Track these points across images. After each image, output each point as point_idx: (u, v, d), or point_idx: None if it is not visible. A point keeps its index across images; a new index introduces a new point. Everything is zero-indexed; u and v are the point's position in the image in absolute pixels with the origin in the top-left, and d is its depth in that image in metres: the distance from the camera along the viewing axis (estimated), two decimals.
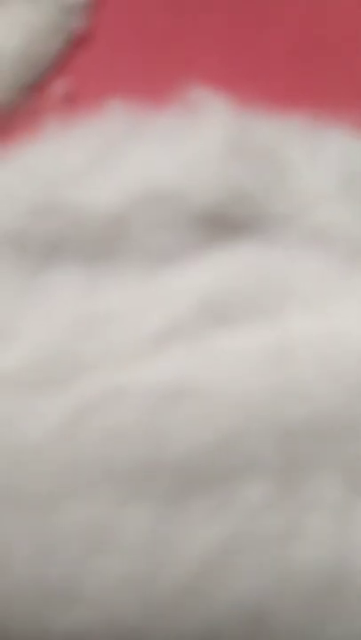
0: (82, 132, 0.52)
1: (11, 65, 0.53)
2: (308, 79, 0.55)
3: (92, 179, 0.51)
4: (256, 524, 0.48)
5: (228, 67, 0.55)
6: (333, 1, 0.56)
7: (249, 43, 0.56)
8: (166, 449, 0.48)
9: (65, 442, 0.48)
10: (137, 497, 0.48)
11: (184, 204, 0.50)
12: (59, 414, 0.48)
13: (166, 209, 0.50)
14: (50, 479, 0.48)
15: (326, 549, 0.48)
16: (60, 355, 0.49)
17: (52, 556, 0.48)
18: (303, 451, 0.48)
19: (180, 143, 0.51)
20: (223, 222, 0.50)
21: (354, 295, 0.50)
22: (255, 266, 0.50)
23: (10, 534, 0.48)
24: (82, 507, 0.48)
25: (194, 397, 0.49)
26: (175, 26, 0.56)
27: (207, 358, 0.49)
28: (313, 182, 0.51)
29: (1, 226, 0.51)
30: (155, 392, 0.48)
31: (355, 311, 0.49)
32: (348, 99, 0.53)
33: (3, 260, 0.50)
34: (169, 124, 0.52)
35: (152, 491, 0.48)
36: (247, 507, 0.48)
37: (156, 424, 0.48)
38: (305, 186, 0.51)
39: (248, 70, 0.55)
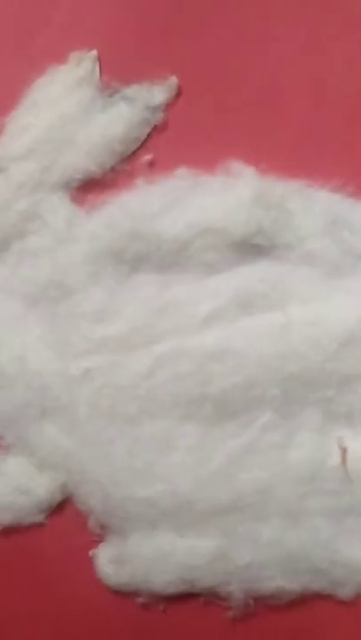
0: (160, 187, 0.60)
1: (114, 143, 0.61)
2: (306, 158, 0.61)
3: (165, 217, 0.59)
4: (265, 437, 0.59)
5: (254, 150, 0.61)
6: (327, 102, 0.61)
7: (267, 134, 0.62)
8: (210, 388, 0.58)
9: (146, 381, 0.59)
10: (191, 417, 0.59)
11: (225, 235, 0.58)
12: (142, 364, 0.59)
13: (214, 238, 0.58)
14: (136, 404, 0.59)
15: (309, 454, 0.59)
16: (144, 327, 0.60)
17: (137, 452, 0.59)
18: (296, 392, 0.58)
19: (223, 196, 0.59)
20: (249, 247, 0.59)
21: (332, 295, 0.59)
22: (269, 275, 0.59)
23: (110, 438, 0.60)
24: (156, 422, 0.59)
25: (227, 357, 0.58)
26: (220, 122, 0.62)
27: (237, 332, 0.58)
28: (307, 224, 0.59)
29: (106, 244, 0.60)
30: (203, 353, 0.58)
31: (332, 305, 0.59)
32: (333, 172, 0.60)
33: (107, 267, 0.60)
34: (216, 184, 0.60)
35: (200, 414, 0.59)
36: (259, 426, 0.58)
37: (203, 372, 0.58)
38: (301, 226, 0.58)
39: (266, 152, 0.61)
